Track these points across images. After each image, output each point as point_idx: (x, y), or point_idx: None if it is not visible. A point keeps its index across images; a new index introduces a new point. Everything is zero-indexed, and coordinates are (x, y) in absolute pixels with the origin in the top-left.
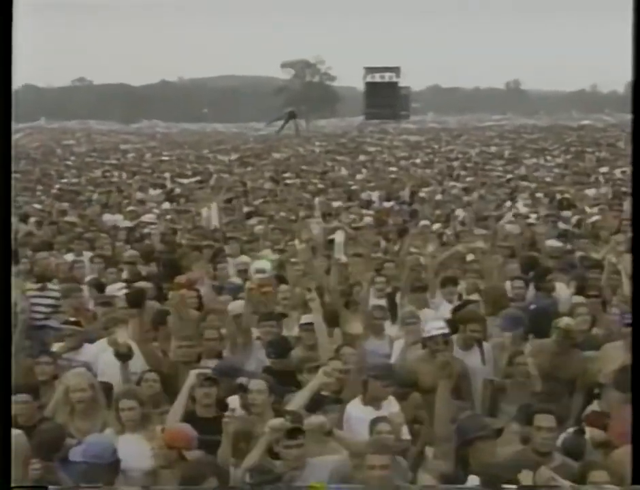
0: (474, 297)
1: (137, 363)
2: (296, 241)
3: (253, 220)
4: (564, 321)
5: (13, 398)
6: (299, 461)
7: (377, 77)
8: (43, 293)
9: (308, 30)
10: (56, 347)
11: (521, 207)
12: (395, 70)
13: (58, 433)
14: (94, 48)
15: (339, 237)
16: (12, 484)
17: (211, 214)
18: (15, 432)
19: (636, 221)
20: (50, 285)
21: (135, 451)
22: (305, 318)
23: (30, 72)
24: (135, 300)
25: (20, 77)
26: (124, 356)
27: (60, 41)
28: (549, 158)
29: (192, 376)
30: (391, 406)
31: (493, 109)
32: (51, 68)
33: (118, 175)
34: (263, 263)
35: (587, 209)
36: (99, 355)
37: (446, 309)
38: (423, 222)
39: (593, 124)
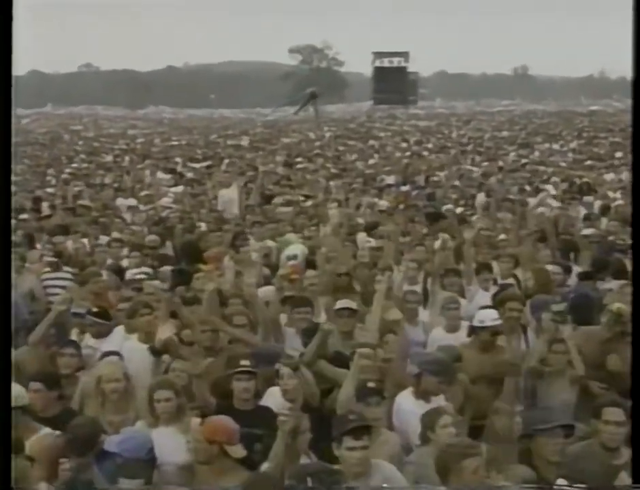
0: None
1: None
2: (322, 226)
3: (272, 205)
4: (616, 305)
5: (29, 386)
6: (364, 465)
7: (386, 62)
8: (58, 276)
9: (314, 16)
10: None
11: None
12: (404, 55)
13: (94, 428)
14: (100, 35)
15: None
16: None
17: (231, 196)
18: (45, 431)
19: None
20: (65, 268)
21: (170, 445)
22: (341, 303)
23: (37, 58)
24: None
25: (26, 63)
26: (159, 351)
27: (66, 27)
28: (562, 143)
29: None
30: (440, 398)
31: (501, 94)
32: (57, 54)
33: (129, 160)
34: (295, 248)
35: (610, 194)
36: (123, 343)
37: (482, 297)
38: (447, 207)
39: (603, 109)
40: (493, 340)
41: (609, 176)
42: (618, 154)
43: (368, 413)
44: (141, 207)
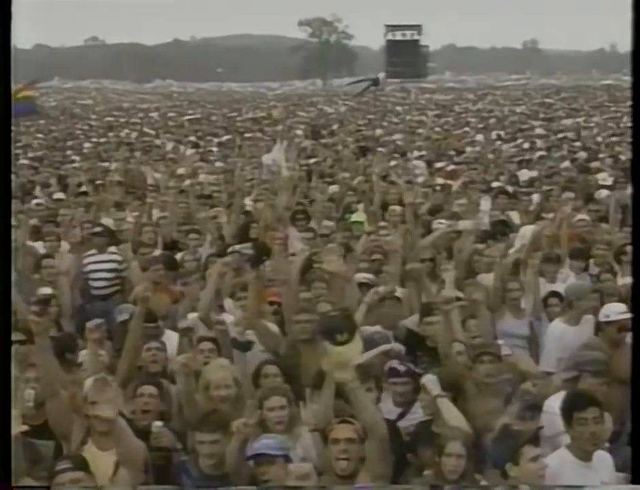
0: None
1: None
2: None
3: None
4: None
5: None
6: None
7: (398, 35)
8: (103, 259)
9: None
10: None
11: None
12: (417, 28)
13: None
14: (107, 7)
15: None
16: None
17: (276, 158)
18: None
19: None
20: (111, 248)
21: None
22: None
23: (42, 32)
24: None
25: (31, 37)
26: (244, 344)
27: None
28: (585, 118)
29: None
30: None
31: (510, 68)
32: (63, 27)
33: (152, 135)
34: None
35: None
36: None
37: None
38: (497, 184)
39: (619, 83)
40: (621, 337)
41: None
42: None
43: (524, 426)
44: (172, 183)
